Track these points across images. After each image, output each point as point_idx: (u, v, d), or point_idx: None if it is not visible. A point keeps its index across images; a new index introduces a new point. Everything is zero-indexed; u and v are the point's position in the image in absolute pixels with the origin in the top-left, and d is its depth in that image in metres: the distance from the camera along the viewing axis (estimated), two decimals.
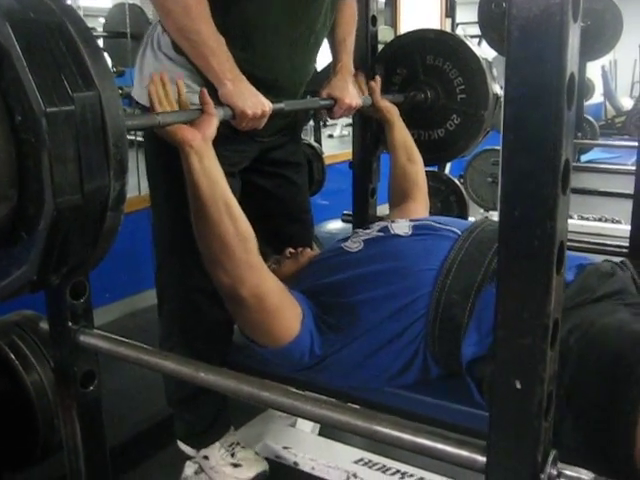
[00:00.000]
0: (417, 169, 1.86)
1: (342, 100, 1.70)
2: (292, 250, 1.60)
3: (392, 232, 1.44)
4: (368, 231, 1.50)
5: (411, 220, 1.50)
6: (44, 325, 1.21)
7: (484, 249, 1.31)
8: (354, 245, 1.44)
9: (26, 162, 0.76)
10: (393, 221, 1.52)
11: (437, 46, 1.98)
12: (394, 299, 1.30)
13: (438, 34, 2.04)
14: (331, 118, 1.85)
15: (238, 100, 1.40)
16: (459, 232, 1.38)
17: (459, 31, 5.61)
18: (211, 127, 1.26)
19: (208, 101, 1.28)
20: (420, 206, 1.80)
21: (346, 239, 1.50)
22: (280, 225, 1.87)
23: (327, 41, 1.81)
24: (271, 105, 1.46)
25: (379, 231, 1.47)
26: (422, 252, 1.36)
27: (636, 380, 0.96)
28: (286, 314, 1.30)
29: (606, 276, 1.27)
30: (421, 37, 2.04)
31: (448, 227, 1.42)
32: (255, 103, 1.42)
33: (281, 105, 1.52)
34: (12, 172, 0.76)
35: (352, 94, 1.73)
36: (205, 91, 1.30)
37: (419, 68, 2.01)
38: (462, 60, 1.94)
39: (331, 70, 1.79)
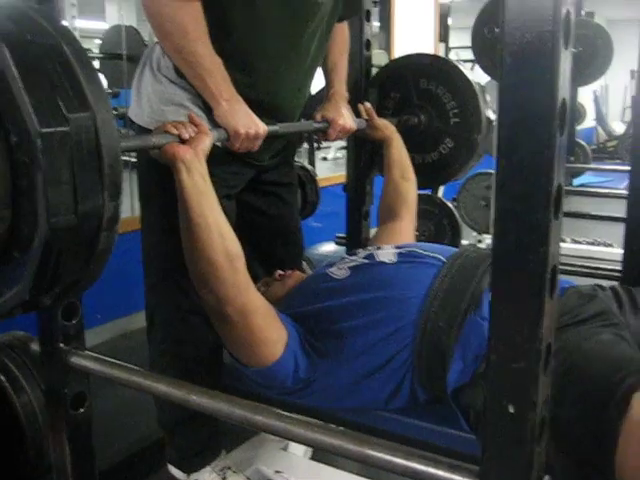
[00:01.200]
0: (409, 187, 1.86)
1: (336, 122, 1.71)
2: (281, 272, 1.60)
3: (377, 259, 1.44)
4: (354, 257, 1.50)
5: (396, 247, 1.50)
6: (35, 346, 1.20)
7: (468, 276, 1.32)
8: (340, 272, 1.44)
9: (20, 182, 0.76)
10: (379, 247, 1.52)
11: (431, 70, 2.00)
12: (379, 328, 1.30)
13: (432, 59, 2.06)
14: (325, 140, 1.85)
15: (232, 120, 1.41)
16: (443, 259, 1.38)
17: (452, 55, 5.67)
18: (203, 143, 1.26)
19: (199, 122, 1.29)
20: (406, 226, 1.80)
21: (332, 265, 1.50)
22: (271, 244, 1.87)
23: (320, 67, 1.83)
24: (265, 127, 1.46)
25: (365, 258, 1.47)
26: (407, 280, 1.36)
27: (615, 405, 0.96)
28: (270, 335, 1.29)
29: (586, 297, 1.27)
30: (415, 62, 2.06)
31: (433, 254, 1.42)
32: (248, 123, 1.42)
33: (275, 127, 1.53)
34: (6, 193, 0.76)
35: (345, 116, 1.74)
36: (193, 115, 1.31)
37: (412, 92, 2.03)
38: (455, 84, 1.96)
39: (324, 95, 1.80)
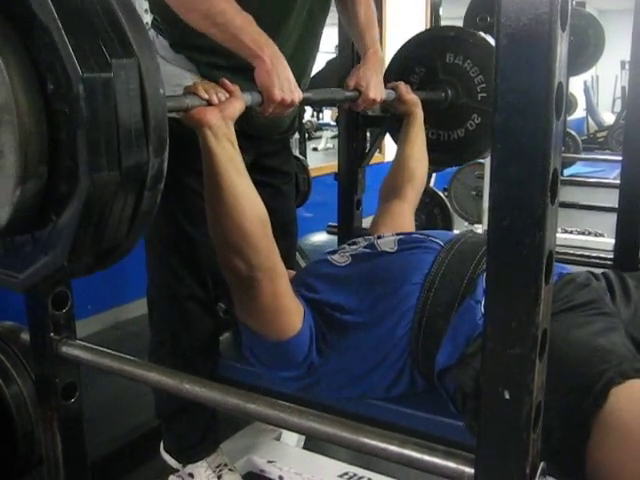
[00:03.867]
0: (419, 167, 1.83)
1: (366, 94, 1.66)
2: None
3: (379, 249, 1.44)
4: (354, 247, 1.49)
5: (397, 234, 1.50)
6: (25, 336, 1.19)
7: (466, 261, 1.32)
8: (342, 259, 1.44)
9: (58, 135, 0.68)
10: (379, 237, 1.52)
11: (457, 44, 1.94)
12: (382, 323, 1.30)
13: (458, 32, 1.99)
14: (353, 109, 1.82)
15: (273, 80, 1.33)
16: (442, 243, 1.39)
17: None
18: (232, 107, 1.21)
19: (231, 86, 1.23)
20: (408, 209, 1.78)
21: (334, 252, 1.49)
22: None
23: (350, 32, 1.81)
24: (301, 94, 1.40)
25: (365, 247, 1.47)
26: (407, 268, 1.36)
27: (593, 397, 0.96)
28: (292, 306, 1.28)
29: (581, 286, 1.27)
30: (440, 35, 2.00)
31: (432, 238, 1.42)
32: (288, 87, 1.35)
33: (308, 94, 1.47)
34: (42, 147, 0.69)
35: (378, 87, 1.69)
36: (226, 80, 1.24)
37: (438, 67, 1.96)
38: (483, 58, 1.89)
39: (362, 59, 1.75)
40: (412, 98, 1.84)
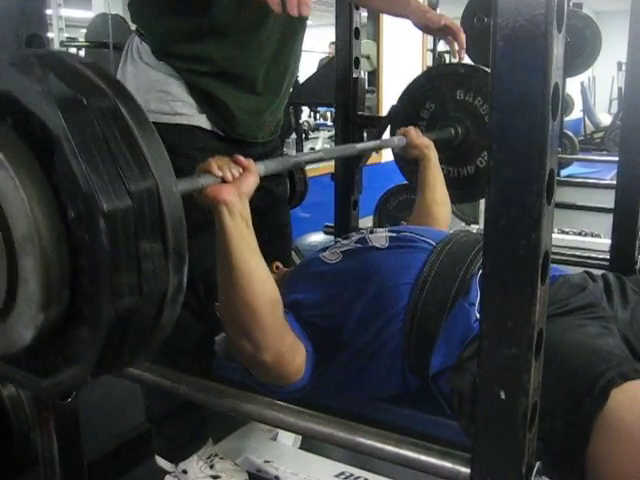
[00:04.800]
0: (441, 211, 1.80)
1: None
2: (279, 265, 1.58)
3: (370, 244, 1.44)
4: (346, 242, 1.49)
5: (389, 230, 1.50)
6: None
7: (458, 261, 1.32)
8: (333, 257, 1.44)
9: (80, 261, 0.69)
10: (371, 231, 1.52)
11: (467, 81, 1.94)
12: (372, 317, 1.30)
13: (468, 69, 2.00)
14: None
15: None
16: (434, 243, 1.38)
17: (441, 46, 5.65)
18: (247, 183, 1.19)
19: (245, 161, 1.21)
20: None
21: (325, 249, 1.50)
22: (262, 239, 1.86)
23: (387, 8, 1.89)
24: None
25: (357, 242, 1.47)
26: (398, 266, 1.36)
27: (593, 399, 0.96)
28: (297, 360, 1.26)
29: (576, 288, 1.27)
30: (451, 71, 2.00)
31: (424, 238, 1.42)
32: None
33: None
34: (64, 272, 0.69)
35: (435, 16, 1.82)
36: (239, 157, 1.22)
37: (448, 103, 1.97)
38: None
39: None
40: (424, 142, 1.82)
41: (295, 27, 1.63)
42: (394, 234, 1.46)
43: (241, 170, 1.19)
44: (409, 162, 1.95)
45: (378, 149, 1.75)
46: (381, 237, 1.45)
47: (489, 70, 0.66)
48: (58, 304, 0.70)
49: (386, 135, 2.18)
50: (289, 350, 1.24)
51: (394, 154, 2.06)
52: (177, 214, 0.74)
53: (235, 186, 1.16)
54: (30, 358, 0.78)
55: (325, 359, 1.31)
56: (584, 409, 0.96)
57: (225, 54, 1.47)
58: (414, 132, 1.82)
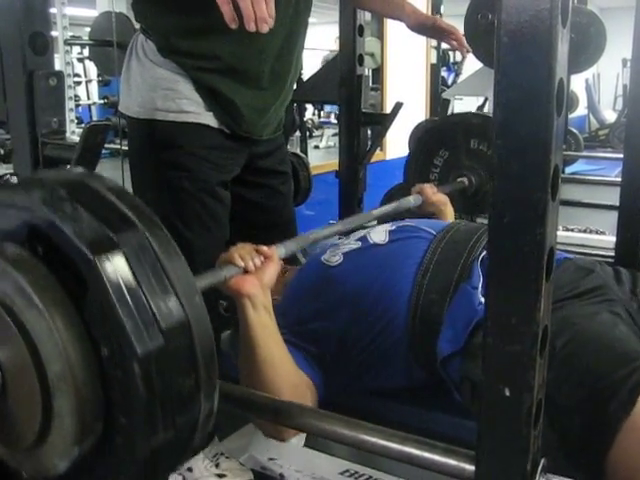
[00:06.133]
0: None
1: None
2: (284, 266, 1.59)
3: (370, 242, 1.44)
4: (346, 242, 1.49)
5: (391, 223, 1.50)
6: None
7: (460, 248, 1.32)
8: (334, 259, 1.43)
9: (113, 394, 0.69)
10: (372, 228, 1.52)
11: (481, 130, 1.96)
12: (378, 314, 1.30)
13: (482, 119, 2.03)
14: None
15: None
16: (434, 232, 1.39)
17: (444, 43, 5.63)
18: (269, 273, 1.22)
19: (266, 250, 1.23)
20: None
21: (325, 250, 1.49)
22: (267, 237, 1.86)
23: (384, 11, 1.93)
24: None
25: (357, 240, 1.47)
26: (399, 257, 1.36)
27: (619, 402, 0.96)
28: (308, 399, 1.27)
29: (584, 271, 1.27)
30: (465, 120, 2.03)
31: (424, 227, 1.42)
32: None
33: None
34: (98, 407, 0.69)
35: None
36: (263, 247, 1.23)
37: (462, 152, 1.99)
38: None
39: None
40: (440, 199, 1.84)
41: (300, 26, 1.63)
42: (394, 227, 1.46)
43: (262, 258, 1.21)
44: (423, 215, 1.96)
45: (394, 213, 1.76)
46: (381, 232, 1.45)
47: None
48: (92, 436, 0.71)
49: (389, 134, 2.18)
50: (303, 398, 1.24)
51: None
52: (209, 345, 0.73)
53: (258, 277, 1.18)
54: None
55: (331, 362, 1.31)
56: (610, 411, 0.96)
57: (230, 51, 1.47)
58: (429, 190, 1.84)
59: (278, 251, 1.27)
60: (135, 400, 0.67)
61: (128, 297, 0.66)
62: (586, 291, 1.21)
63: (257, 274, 1.19)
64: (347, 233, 1.63)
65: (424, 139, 2.04)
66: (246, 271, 1.18)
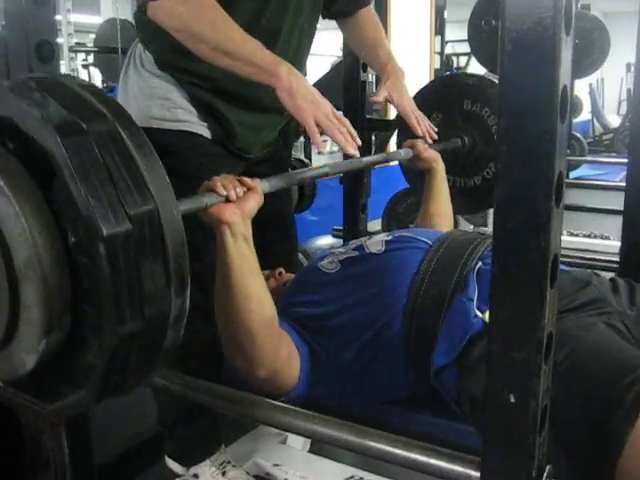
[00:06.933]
0: (444, 224, 1.79)
1: (415, 127, 1.76)
2: (282, 271, 1.59)
3: (367, 251, 1.44)
4: (344, 250, 1.49)
5: (386, 234, 1.51)
6: None
7: (455, 258, 1.32)
8: (331, 266, 1.44)
9: (81, 284, 0.69)
10: (369, 237, 1.52)
11: (475, 91, 1.94)
12: (372, 321, 1.30)
13: (476, 80, 1.99)
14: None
15: (299, 105, 1.32)
16: (430, 242, 1.39)
17: (448, 49, 5.65)
18: (251, 203, 1.19)
19: (249, 181, 1.21)
20: None
21: (323, 257, 1.49)
22: (266, 240, 1.86)
23: (361, 54, 1.84)
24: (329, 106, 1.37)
25: (354, 249, 1.47)
26: (395, 268, 1.36)
27: (624, 412, 0.95)
28: (292, 372, 1.28)
29: (580, 283, 1.27)
30: (459, 82, 2.01)
31: (420, 238, 1.42)
32: (312, 100, 1.34)
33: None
34: (66, 298, 0.69)
35: (406, 95, 1.74)
36: (245, 178, 1.21)
37: (456, 113, 1.97)
38: None
39: (382, 77, 1.77)
40: (431, 154, 1.81)
41: (307, 46, 1.64)
42: (390, 237, 1.47)
43: (245, 189, 1.19)
44: (414, 170, 1.94)
45: (385, 162, 1.74)
46: (377, 242, 1.45)
47: (496, 80, 0.66)
48: (60, 330, 0.70)
49: (392, 140, 2.18)
50: (283, 365, 1.25)
51: (399, 162, 2.06)
52: (178, 237, 0.74)
53: (238, 206, 1.16)
54: (34, 383, 0.78)
55: (324, 365, 1.32)
56: (614, 423, 0.95)
57: (226, 74, 1.43)
58: (421, 145, 1.81)
59: (262, 185, 1.24)
60: (101, 284, 0.67)
61: (95, 180, 0.67)
62: (583, 304, 1.21)
63: (239, 204, 1.16)
64: (335, 174, 1.64)
65: (417, 102, 2.02)
66: (228, 200, 1.15)
